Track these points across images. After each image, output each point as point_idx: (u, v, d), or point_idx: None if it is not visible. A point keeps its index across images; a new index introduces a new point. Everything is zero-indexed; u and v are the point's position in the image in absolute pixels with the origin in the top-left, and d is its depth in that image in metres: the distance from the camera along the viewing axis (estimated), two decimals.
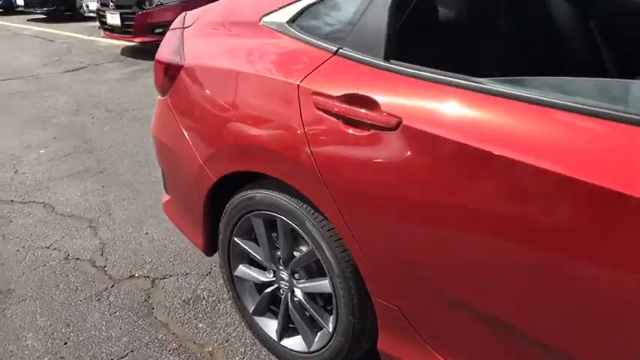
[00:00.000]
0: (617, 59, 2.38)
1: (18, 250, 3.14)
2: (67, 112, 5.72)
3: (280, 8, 2.00)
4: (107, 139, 4.83)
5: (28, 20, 12.55)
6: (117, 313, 2.58)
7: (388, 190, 1.66)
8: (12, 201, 3.76)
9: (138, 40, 8.06)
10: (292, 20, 1.95)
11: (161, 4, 7.84)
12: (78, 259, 3.04)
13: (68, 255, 3.08)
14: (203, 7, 2.50)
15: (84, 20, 11.27)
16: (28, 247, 3.17)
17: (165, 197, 2.62)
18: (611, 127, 1.27)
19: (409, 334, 1.78)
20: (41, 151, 4.65)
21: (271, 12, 2.02)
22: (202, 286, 2.73)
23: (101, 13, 8.72)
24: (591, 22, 2.50)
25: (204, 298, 2.65)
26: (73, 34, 10.34)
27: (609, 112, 1.27)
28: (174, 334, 2.44)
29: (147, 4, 7.95)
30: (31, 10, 12.53)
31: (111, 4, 8.44)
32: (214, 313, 2.54)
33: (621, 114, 1.26)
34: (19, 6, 12.70)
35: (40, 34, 10.75)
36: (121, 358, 2.31)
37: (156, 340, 2.40)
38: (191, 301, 2.64)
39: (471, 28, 2.09)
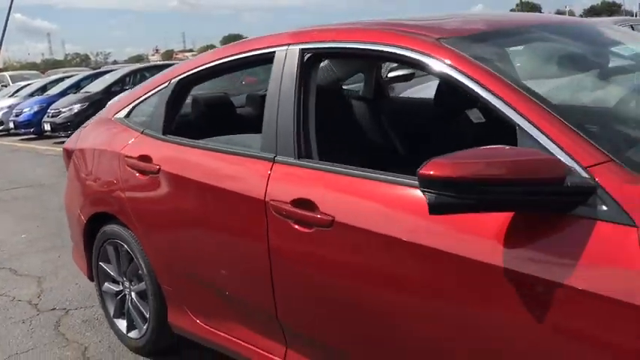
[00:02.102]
0: (401, 139, 3.47)
1: None
2: (55, 209, 6.90)
3: (123, 108, 3.16)
4: None
5: (54, 143, 14.26)
6: (34, 330, 3.58)
7: (162, 216, 2.73)
8: None
9: None
10: (127, 115, 3.11)
11: None
12: (20, 300, 4.09)
13: (14, 298, 4.13)
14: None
15: None
16: None
17: (72, 244, 3.69)
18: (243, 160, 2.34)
19: (179, 307, 2.76)
20: (22, 236, 5.82)
21: (119, 110, 3.18)
22: (99, 313, 3.69)
23: None
24: (383, 116, 3.64)
25: (97, 319, 3.64)
26: None
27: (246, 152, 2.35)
28: (67, 339, 3.43)
29: None
30: (57, 134, 14.31)
31: None
32: (100, 327, 3.52)
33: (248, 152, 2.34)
34: (47, 131, 14.53)
35: (60, 153, 12.26)
36: (25, 351, 3.30)
37: (54, 342, 3.39)
38: (87, 322, 3.63)
39: (218, 115, 3.20)
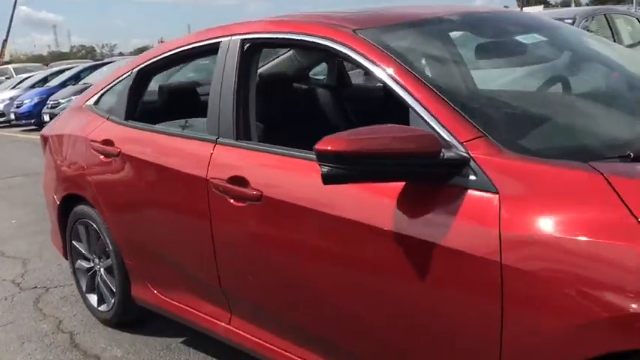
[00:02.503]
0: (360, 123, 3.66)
1: None
2: None
3: (92, 96, 3.36)
4: None
5: None
6: (15, 306, 3.81)
7: (122, 195, 2.93)
8: None
9: None
10: (95, 103, 3.31)
11: None
12: (4, 280, 4.32)
13: None
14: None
15: None
16: None
17: (50, 226, 3.91)
18: (191, 143, 2.54)
19: (140, 281, 2.97)
20: (13, 221, 6.06)
21: (89, 99, 3.39)
22: (76, 290, 3.93)
23: None
24: (345, 102, 3.84)
25: (73, 296, 3.86)
26: None
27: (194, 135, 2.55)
28: (44, 313, 3.65)
29: None
30: None
31: None
32: (75, 303, 3.74)
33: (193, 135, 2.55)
34: (46, 122, 14.78)
35: None
36: (4, 325, 3.52)
37: (32, 317, 3.62)
38: (64, 298, 3.86)
39: (171, 105, 3.39)
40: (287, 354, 2.27)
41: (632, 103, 2.07)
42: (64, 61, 34.50)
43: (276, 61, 4.14)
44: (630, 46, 7.01)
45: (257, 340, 2.40)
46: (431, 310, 1.70)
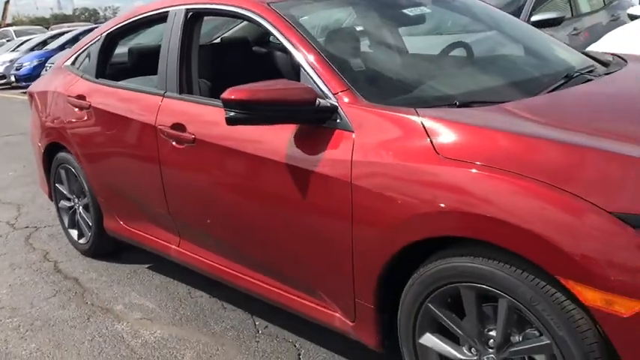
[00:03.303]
0: None
1: None
2: None
3: (70, 57, 3.87)
4: None
5: None
6: (8, 241, 4.38)
7: (92, 142, 3.45)
8: None
9: None
10: (72, 63, 3.82)
11: None
12: (0, 221, 4.89)
13: None
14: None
15: None
16: None
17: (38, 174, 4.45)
18: (144, 96, 3.05)
19: (110, 214, 3.52)
20: (10, 173, 6.61)
21: (67, 59, 3.89)
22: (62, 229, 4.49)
23: None
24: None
25: (60, 233, 4.41)
26: None
27: (147, 90, 3.06)
28: (34, 247, 4.23)
29: None
30: None
31: None
32: (61, 239, 4.30)
33: (149, 90, 3.06)
34: None
35: None
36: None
37: (23, 250, 4.19)
38: (52, 235, 4.43)
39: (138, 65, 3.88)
40: (223, 268, 2.82)
41: (485, 63, 2.57)
42: (65, 24, 34.70)
43: (239, 26, 4.62)
44: (589, 13, 7.39)
45: (200, 258, 2.95)
46: (316, 220, 2.21)
